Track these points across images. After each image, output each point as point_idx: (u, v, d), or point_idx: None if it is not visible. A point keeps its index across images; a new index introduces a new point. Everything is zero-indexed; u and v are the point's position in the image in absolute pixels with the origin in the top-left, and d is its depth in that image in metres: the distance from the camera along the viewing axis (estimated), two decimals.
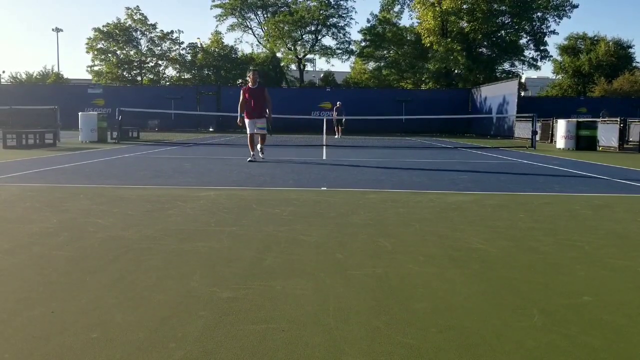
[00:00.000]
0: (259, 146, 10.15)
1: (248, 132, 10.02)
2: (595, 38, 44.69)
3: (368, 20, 45.34)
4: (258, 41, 48.41)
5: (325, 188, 6.34)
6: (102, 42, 44.52)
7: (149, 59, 46.12)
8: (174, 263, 2.96)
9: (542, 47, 42.01)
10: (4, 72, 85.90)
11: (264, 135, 10.16)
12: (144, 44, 45.47)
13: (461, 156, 12.87)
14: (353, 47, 46.37)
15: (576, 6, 39.75)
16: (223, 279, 2.68)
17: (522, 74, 46.06)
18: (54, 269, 2.82)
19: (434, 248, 3.39)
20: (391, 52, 44.96)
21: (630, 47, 44.24)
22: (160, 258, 3.06)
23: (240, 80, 43.68)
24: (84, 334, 1.97)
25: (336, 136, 22.20)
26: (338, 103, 23.14)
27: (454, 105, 33.52)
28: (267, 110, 10.04)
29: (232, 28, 47.25)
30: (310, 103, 33.98)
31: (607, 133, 17.03)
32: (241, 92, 10.02)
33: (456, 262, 3.06)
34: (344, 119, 22.67)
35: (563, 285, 2.67)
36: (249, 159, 9.86)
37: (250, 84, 10.01)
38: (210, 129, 31.81)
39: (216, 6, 45.85)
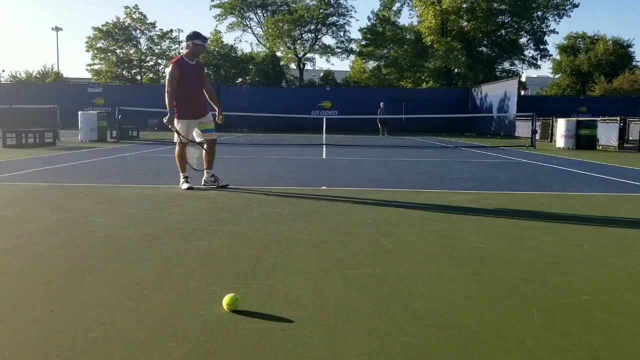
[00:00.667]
0: (204, 161, 6.16)
1: (180, 139, 6.01)
2: (595, 37, 44.68)
3: (369, 18, 45.39)
4: (258, 40, 48.41)
5: (325, 187, 6.34)
6: (102, 41, 44.51)
7: (148, 57, 46.11)
8: (174, 262, 2.96)
9: (542, 46, 42.05)
10: (3, 71, 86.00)
11: (214, 143, 6.20)
12: (143, 42, 45.49)
13: (461, 155, 12.87)
14: (353, 46, 46.42)
15: (577, 5, 39.75)
16: (223, 278, 2.68)
17: (522, 73, 46.10)
18: (54, 268, 2.82)
19: (433, 247, 3.39)
20: (391, 51, 44.96)
21: (630, 46, 44.27)
22: (160, 257, 3.06)
23: (239, 80, 43.66)
24: (84, 333, 1.97)
25: (380, 135, 24.11)
26: (381, 104, 24.76)
27: (454, 105, 33.51)
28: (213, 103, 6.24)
29: (231, 27, 47.23)
30: (310, 102, 33.97)
31: (606, 132, 17.04)
32: (172, 67, 5.75)
33: (456, 261, 3.06)
34: (387, 119, 24.43)
35: (563, 284, 2.67)
36: (183, 183, 5.98)
37: (185, 57, 5.87)
38: None
39: (215, 6, 45.84)
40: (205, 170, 6.12)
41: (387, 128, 25.06)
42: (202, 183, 6.12)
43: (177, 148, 6.08)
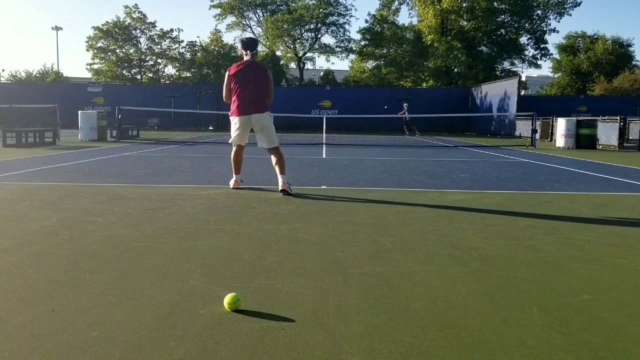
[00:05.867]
0: (278, 172, 5.70)
1: (233, 142, 5.94)
2: (595, 37, 44.67)
3: (366, 21, 45.39)
4: (257, 40, 48.41)
5: (325, 186, 6.34)
6: (102, 40, 44.51)
7: (148, 57, 46.11)
8: (173, 262, 2.96)
9: (542, 45, 42.05)
10: (3, 70, 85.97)
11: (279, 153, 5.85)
12: (143, 42, 45.50)
13: (461, 155, 12.87)
14: (353, 45, 46.43)
15: (578, 4, 39.64)
16: (223, 278, 2.68)
17: (522, 72, 46.13)
18: (53, 267, 2.82)
19: (433, 247, 3.39)
20: (391, 50, 44.96)
21: (629, 45, 44.27)
22: (160, 257, 3.06)
23: None
24: (84, 333, 1.97)
25: (408, 134, 24.48)
26: (405, 105, 24.89)
27: (454, 104, 33.52)
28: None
29: (231, 27, 47.22)
30: (310, 101, 33.99)
31: (606, 132, 17.04)
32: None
33: (456, 261, 3.06)
34: (408, 118, 24.80)
35: (563, 283, 2.67)
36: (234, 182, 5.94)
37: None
38: (210, 128, 31.79)
39: (215, 6, 45.84)
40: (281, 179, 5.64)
41: (414, 126, 25.08)
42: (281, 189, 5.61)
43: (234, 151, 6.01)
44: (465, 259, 3.11)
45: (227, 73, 5.80)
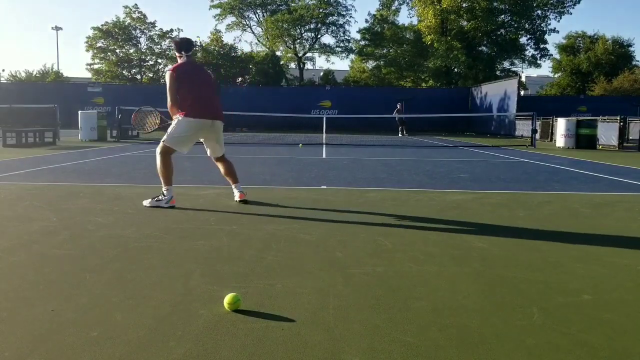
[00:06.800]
0: (232, 182, 5.27)
1: (174, 146, 4.96)
2: (595, 37, 44.66)
3: (366, 21, 45.39)
4: (257, 39, 48.43)
5: (325, 187, 6.34)
6: (102, 40, 44.51)
7: (148, 57, 46.10)
8: (173, 262, 2.96)
9: (542, 45, 42.02)
10: (3, 70, 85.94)
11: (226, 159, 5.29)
12: (143, 42, 45.49)
13: (461, 155, 12.87)
14: (353, 45, 46.43)
15: (578, 1, 39.50)
16: (223, 278, 2.68)
17: (522, 72, 46.11)
18: (53, 267, 2.82)
19: (433, 247, 3.39)
20: (391, 50, 44.96)
21: (630, 45, 44.23)
22: (160, 257, 3.06)
23: (239, 79, 43.63)
24: (84, 333, 1.97)
25: (400, 135, 24.43)
26: (399, 105, 24.70)
27: (454, 104, 33.51)
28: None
29: (231, 27, 47.20)
30: (310, 101, 33.98)
31: (606, 132, 17.03)
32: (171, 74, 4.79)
33: (456, 261, 3.06)
34: (404, 118, 24.78)
35: (563, 283, 2.67)
36: (163, 201, 4.85)
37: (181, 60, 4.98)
38: None
39: (214, 6, 45.81)
40: (235, 188, 5.21)
41: (406, 127, 25.16)
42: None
43: (162, 153, 5.04)
44: (465, 258, 3.11)
45: (169, 74, 4.82)
